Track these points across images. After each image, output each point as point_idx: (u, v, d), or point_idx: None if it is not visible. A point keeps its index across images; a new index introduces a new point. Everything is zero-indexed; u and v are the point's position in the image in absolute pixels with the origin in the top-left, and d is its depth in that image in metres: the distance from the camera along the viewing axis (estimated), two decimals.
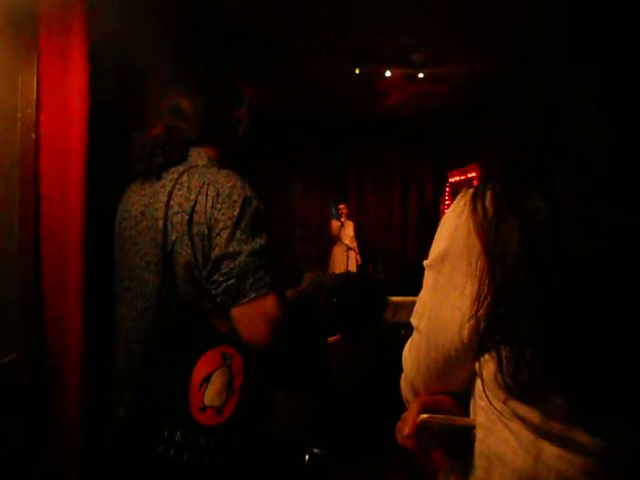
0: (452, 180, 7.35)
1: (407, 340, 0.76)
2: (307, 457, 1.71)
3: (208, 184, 1.15)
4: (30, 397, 1.35)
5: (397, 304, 4.04)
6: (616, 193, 0.57)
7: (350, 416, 1.80)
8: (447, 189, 7.50)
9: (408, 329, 0.77)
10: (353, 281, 2.18)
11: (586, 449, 0.57)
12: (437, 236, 0.70)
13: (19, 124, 1.33)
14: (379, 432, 1.64)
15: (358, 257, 7.28)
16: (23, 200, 1.33)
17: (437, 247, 0.69)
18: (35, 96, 1.35)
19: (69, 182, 1.39)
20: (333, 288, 2.07)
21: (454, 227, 0.66)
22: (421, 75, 5.37)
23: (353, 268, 7.03)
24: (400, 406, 0.78)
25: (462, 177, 7.01)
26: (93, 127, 1.41)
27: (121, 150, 1.38)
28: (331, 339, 2.05)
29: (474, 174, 6.64)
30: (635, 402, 0.57)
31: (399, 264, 7.76)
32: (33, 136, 1.35)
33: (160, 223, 1.17)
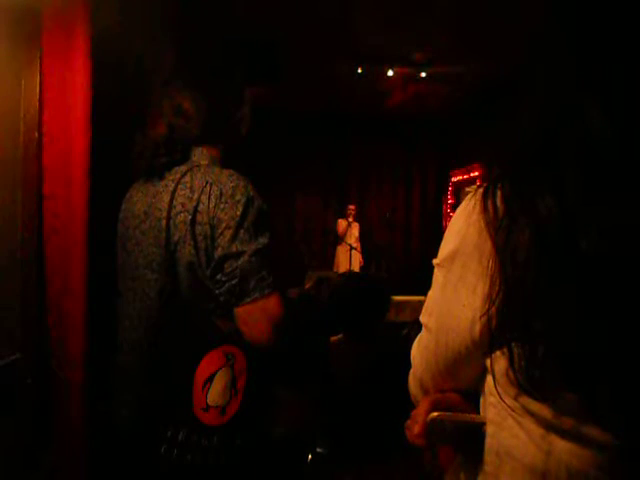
0: (455, 179, 7.34)
1: (414, 338, 0.77)
2: (310, 456, 1.71)
3: (211, 184, 1.15)
4: (33, 397, 1.35)
5: (400, 303, 4.04)
6: (626, 191, 0.57)
7: (352, 415, 1.80)
8: (450, 188, 7.49)
9: (411, 328, 0.77)
10: (356, 281, 2.18)
11: (597, 444, 0.58)
12: (447, 235, 0.70)
13: (22, 123, 1.32)
14: (382, 431, 1.64)
15: (361, 258, 7.28)
16: (26, 199, 1.33)
17: (447, 246, 0.69)
18: (38, 95, 1.35)
19: (72, 181, 1.39)
20: (335, 288, 2.07)
21: (465, 226, 0.66)
22: (423, 74, 5.37)
23: (356, 268, 7.03)
24: (402, 405, 0.78)
25: (465, 176, 7.00)
26: (96, 126, 1.41)
27: (124, 149, 1.38)
28: (334, 339, 2.05)
29: (477, 173, 6.63)
30: None
31: (402, 263, 7.76)
32: (36, 135, 1.35)
33: (163, 223, 1.17)
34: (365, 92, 6.12)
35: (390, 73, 5.38)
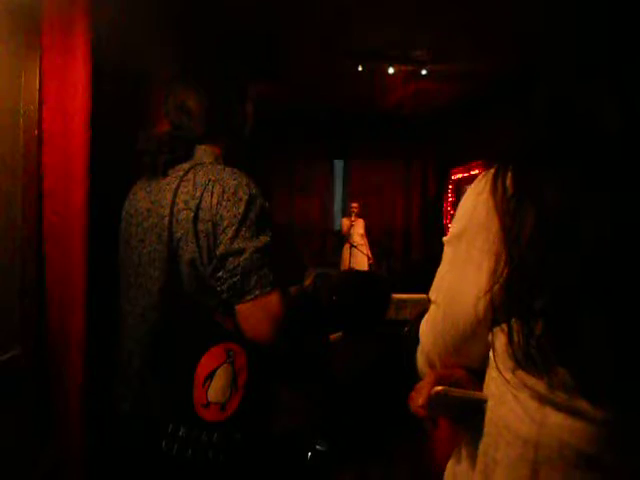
0: (455, 177, 7.34)
1: (415, 337, 0.78)
2: (310, 454, 1.71)
3: (213, 181, 1.15)
4: (33, 392, 1.36)
5: (400, 301, 4.04)
6: (630, 181, 0.59)
7: (353, 413, 1.80)
8: (450, 186, 7.49)
9: (412, 326, 0.77)
10: (355, 278, 2.18)
11: (588, 417, 0.60)
12: (457, 214, 0.72)
13: (22, 121, 1.32)
14: (382, 429, 1.64)
15: (370, 255, 7.03)
16: (26, 196, 1.33)
17: (457, 224, 0.71)
18: (38, 93, 1.35)
19: (71, 178, 1.39)
20: (335, 285, 2.07)
21: (474, 205, 0.68)
22: (424, 72, 5.36)
23: (361, 266, 6.86)
24: (401, 404, 0.78)
25: (465, 174, 7.00)
26: (95, 124, 1.41)
27: (123, 147, 1.38)
28: (334, 336, 2.05)
29: (477, 171, 6.62)
30: (636, 375, 0.59)
31: (402, 261, 7.76)
32: (36, 132, 1.35)
33: (166, 220, 1.17)
34: (366, 90, 6.11)
35: (391, 71, 5.38)
